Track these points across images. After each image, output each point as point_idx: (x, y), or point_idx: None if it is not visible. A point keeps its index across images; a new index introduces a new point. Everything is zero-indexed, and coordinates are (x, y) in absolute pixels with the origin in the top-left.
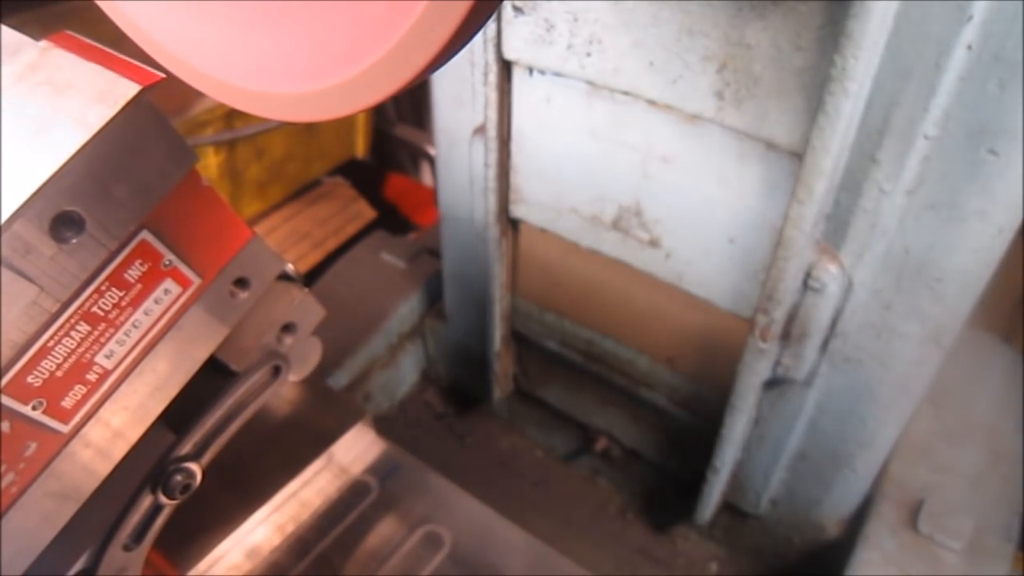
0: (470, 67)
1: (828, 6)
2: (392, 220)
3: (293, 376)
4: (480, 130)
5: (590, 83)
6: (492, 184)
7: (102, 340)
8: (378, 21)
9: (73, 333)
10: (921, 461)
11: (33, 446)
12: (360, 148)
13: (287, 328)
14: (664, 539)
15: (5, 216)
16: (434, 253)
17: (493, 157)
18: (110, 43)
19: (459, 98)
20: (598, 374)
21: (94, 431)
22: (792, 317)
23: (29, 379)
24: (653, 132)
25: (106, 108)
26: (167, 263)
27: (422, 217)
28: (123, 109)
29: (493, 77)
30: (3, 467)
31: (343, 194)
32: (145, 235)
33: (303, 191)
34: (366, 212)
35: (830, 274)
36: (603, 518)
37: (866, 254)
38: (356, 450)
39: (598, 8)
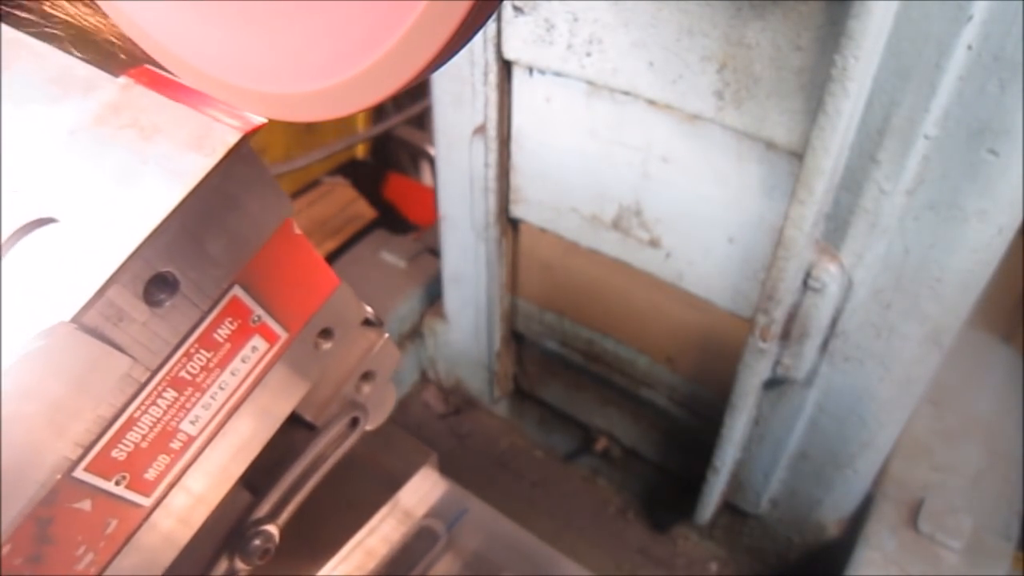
0: (470, 67)
1: (828, 6)
2: (392, 220)
3: (369, 425)
4: (480, 130)
5: (590, 83)
6: (492, 184)
7: (188, 406)
8: (378, 21)
9: (160, 401)
10: (921, 460)
11: (114, 523)
12: (360, 148)
13: (365, 376)
14: (664, 539)
15: (98, 283)
16: (434, 253)
17: (493, 157)
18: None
19: (459, 98)
20: (598, 374)
21: (175, 498)
22: (792, 317)
23: (113, 453)
24: (653, 132)
25: (203, 157)
26: (255, 319)
27: (422, 217)
28: (224, 159)
29: (493, 77)
30: (82, 548)
31: (343, 194)
32: (236, 291)
33: (303, 191)
34: (366, 212)
35: (830, 274)
36: (603, 518)
37: (866, 254)
38: (420, 493)
39: (598, 8)
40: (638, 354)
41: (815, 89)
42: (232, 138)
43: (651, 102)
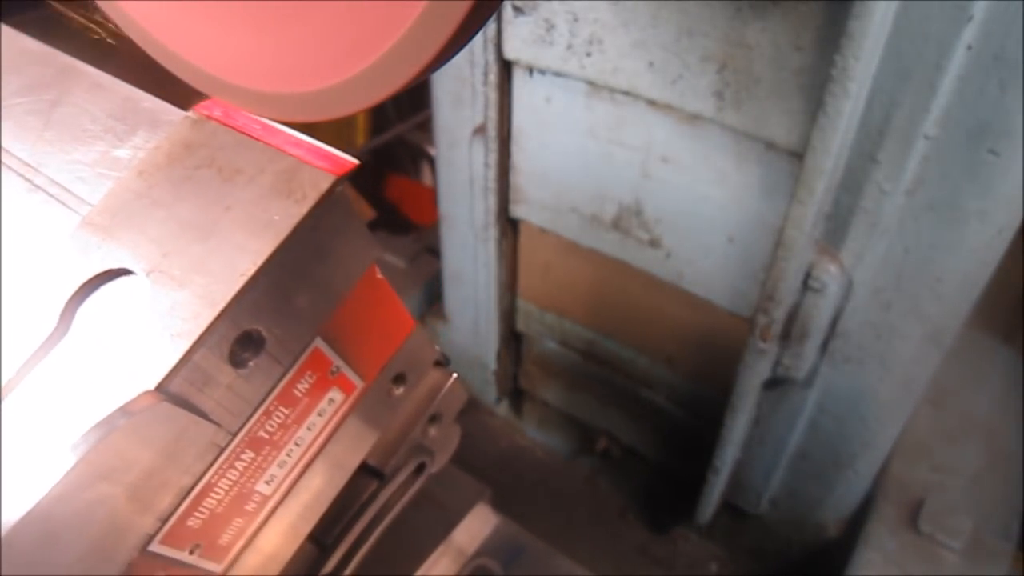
0: (470, 67)
1: (828, 6)
2: (392, 220)
3: (433, 467)
4: (480, 130)
5: (590, 83)
6: (492, 184)
7: (264, 466)
8: (378, 21)
9: (237, 464)
10: (921, 461)
11: None
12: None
13: (432, 418)
14: (664, 539)
15: (185, 346)
16: (434, 253)
17: (493, 157)
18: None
19: (459, 98)
20: (598, 374)
21: (246, 559)
22: (792, 317)
23: (189, 522)
24: (653, 132)
25: (294, 204)
26: (334, 370)
27: (422, 217)
28: (316, 205)
29: (493, 77)
30: None
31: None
32: (318, 343)
33: None
34: (366, 212)
35: (830, 274)
36: (603, 518)
37: (866, 254)
38: (475, 531)
39: (598, 8)
40: (638, 354)
41: (815, 89)
42: (325, 183)
43: (651, 102)
